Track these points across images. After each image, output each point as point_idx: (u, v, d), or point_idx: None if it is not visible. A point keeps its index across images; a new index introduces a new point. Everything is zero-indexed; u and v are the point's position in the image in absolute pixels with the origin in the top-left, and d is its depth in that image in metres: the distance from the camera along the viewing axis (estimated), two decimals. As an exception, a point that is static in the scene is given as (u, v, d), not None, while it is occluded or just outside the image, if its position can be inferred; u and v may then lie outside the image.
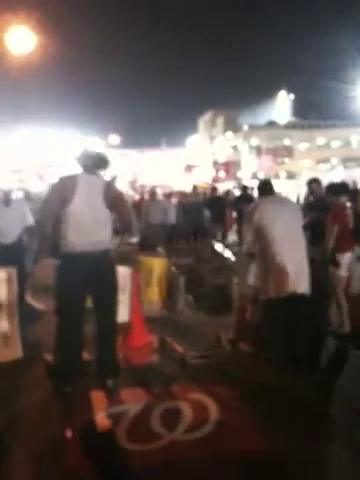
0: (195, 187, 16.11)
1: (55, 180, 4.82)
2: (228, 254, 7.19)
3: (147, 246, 10.08)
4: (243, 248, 5.53)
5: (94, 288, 4.56)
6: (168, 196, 16.64)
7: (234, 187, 26.84)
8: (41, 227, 4.82)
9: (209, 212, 13.83)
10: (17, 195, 11.40)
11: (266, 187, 5.64)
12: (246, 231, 5.41)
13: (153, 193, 13.29)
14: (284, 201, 5.57)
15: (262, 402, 4.27)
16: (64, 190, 4.48)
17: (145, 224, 11.82)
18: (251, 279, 5.69)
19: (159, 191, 23.45)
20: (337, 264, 5.93)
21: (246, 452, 3.58)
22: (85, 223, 4.43)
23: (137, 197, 20.67)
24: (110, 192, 4.61)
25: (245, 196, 15.16)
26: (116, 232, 4.85)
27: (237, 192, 20.51)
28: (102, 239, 4.54)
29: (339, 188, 6.55)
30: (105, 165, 4.76)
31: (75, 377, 4.53)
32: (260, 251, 5.19)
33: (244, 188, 16.60)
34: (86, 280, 4.47)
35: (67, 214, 4.42)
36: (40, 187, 19.76)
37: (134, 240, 11.69)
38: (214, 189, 16.48)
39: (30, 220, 7.10)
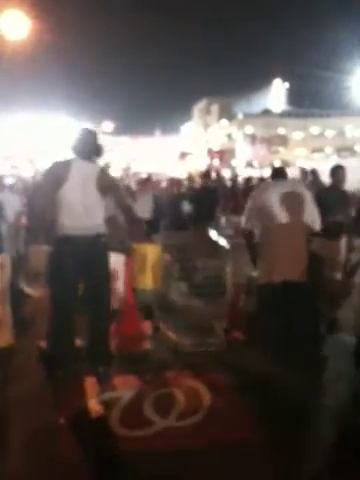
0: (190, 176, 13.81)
1: (49, 164, 4.83)
2: (223, 242, 7.19)
3: None
4: (241, 225, 5.36)
5: (86, 273, 4.57)
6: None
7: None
8: (33, 207, 4.81)
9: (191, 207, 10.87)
10: (8, 182, 11.18)
11: (278, 173, 5.56)
12: (248, 209, 5.22)
13: None
14: (293, 185, 5.37)
15: (255, 390, 4.27)
16: (58, 174, 4.52)
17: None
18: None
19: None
20: None
21: (239, 440, 3.59)
22: (77, 207, 4.47)
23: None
24: (103, 179, 4.63)
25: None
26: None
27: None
28: (94, 224, 4.56)
29: None
30: (100, 153, 4.79)
31: (68, 363, 4.54)
32: (259, 234, 5.15)
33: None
34: (79, 265, 4.47)
35: (60, 198, 4.47)
36: (33, 173, 19.51)
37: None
38: (207, 176, 11.84)
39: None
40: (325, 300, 5.75)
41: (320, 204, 5.37)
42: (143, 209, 9.74)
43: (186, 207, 10.86)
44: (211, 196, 10.14)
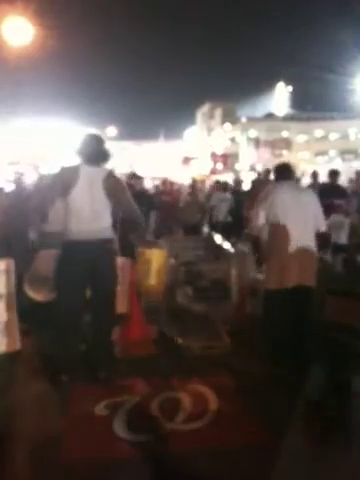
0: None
1: (57, 170, 4.85)
2: (227, 246, 7.19)
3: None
4: (248, 230, 5.30)
5: (93, 277, 4.58)
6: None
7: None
8: (39, 212, 4.83)
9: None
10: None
11: (285, 171, 5.42)
12: (255, 213, 5.18)
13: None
14: (300, 189, 5.38)
15: (260, 393, 4.28)
16: (66, 179, 4.55)
17: (39, 234, 6.76)
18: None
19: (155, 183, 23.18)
20: None
21: (245, 443, 3.59)
22: (85, 212, 4.50)
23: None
24: (110, 182, 4.64)
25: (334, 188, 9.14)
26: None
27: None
28: (101, 227, 4.59)
29: None
30: (107, 158, 4.78)
31: (73, 368, 4.55)
32: (268, 238, 5.13)
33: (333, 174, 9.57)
34: (86, 269, 4.50)
35: (68, 203, 4.51)
36: (36, 179, 19.38)
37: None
38: (137, 178, 9.77)
39: None
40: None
41: None
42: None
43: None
44: (145, 201, 8.66)
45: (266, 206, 5.08)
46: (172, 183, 12.84)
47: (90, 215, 4.52)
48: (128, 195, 4.79)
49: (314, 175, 11.49)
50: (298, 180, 11.41)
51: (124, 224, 4.98)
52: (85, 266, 4.49)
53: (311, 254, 5.09)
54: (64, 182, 4.55)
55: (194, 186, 12.86)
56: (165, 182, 11.57)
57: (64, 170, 4.70)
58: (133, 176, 9.88)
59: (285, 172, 5.42)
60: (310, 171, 20.07)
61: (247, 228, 5.28)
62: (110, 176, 4.70)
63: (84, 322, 4.77)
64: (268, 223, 5.07)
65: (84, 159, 4.66)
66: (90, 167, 4.62)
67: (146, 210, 8.46)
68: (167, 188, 11.53)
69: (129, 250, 6.07)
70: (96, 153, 4.69)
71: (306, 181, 18.80)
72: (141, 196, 8.80)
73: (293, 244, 4.97)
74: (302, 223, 5.00)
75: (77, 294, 4.56)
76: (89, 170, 4.59)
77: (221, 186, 13.30)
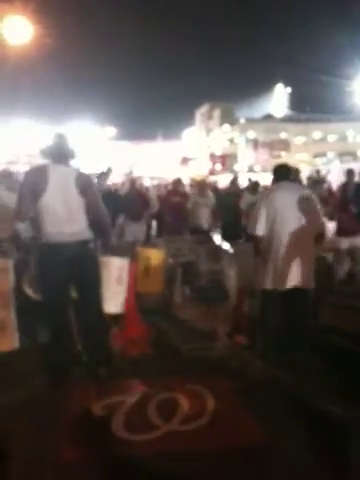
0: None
1: (25, 171, 4.75)
2: (226, 246, 7.19)
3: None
4: (250, 230, 5.24)
5: (75, 279, 4.56)
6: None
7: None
8: (21, 220, 4.73)
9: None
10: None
11: (282, 172, 5.39)
12: (256, 212, 5.15)
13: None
14: (298, 189, 5.29)
15: (258, 394, 4.27)
16: (34, 182, 4.42)
17: None
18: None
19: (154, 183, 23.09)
20: None
21: (242, 444, 3.59)
22: (60, 213, 4.40)
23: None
24: (82, 180, 4.55)
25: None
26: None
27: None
28: (78, 229, 4.51)
29: None
30: (73, 156, 4.69)
31: (70, 367, 4.54)
32: (266, 239, 5.10)
33: None
34: (67, 271, 4.45)
35: (41, 205, 4.38)
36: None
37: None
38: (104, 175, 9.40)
39: None
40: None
41: None
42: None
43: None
44: (112, 200, 8.19)
45: (266, 205, 5.06)
46: (183, 184, 11.80)
47: (65, 216, 4.42)
48: (96, 194, 4.71)
49: (350, 174, 10.54)
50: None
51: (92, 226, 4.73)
52: (65, 268, 4.43)
53: (310, 256, 5.07)
54: (33, 185, 4.41)
55: (203, 186, 10.96)
56: (176, 182, 10.87)
57: (30, 173, 4.58)
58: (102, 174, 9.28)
59: (283, 173, 5.41)
60: (306, 173, 19.75)
61: (248, 227, 5.22)
62: (81, 175, 4.63)
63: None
64: (267, 225, 5.05)
65: (52, 159, 4.57)
66: (59, 166, 4.52)
67: (114, 211, 8.07)
68: (179, 189, 10.78)
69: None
70: (63, 152, 4.60)
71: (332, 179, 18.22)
72: (110, 195, 8.58)
73: (291, 246, 4.96)
74: (301, 224, 4.99)
75: (61, 296, 4.54)
76: (59, 170, 4.49)
77: (251, 187, 11.84)
